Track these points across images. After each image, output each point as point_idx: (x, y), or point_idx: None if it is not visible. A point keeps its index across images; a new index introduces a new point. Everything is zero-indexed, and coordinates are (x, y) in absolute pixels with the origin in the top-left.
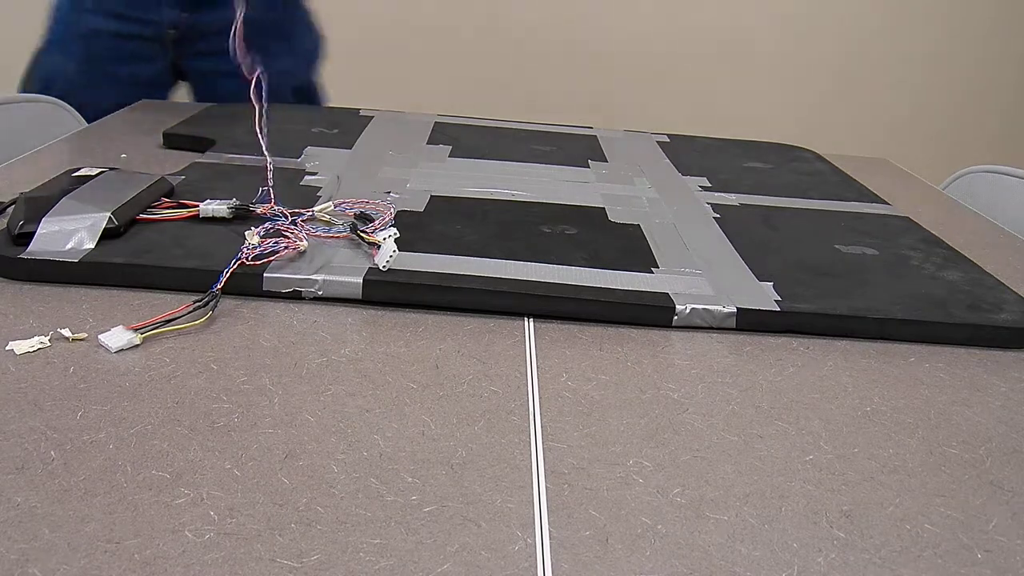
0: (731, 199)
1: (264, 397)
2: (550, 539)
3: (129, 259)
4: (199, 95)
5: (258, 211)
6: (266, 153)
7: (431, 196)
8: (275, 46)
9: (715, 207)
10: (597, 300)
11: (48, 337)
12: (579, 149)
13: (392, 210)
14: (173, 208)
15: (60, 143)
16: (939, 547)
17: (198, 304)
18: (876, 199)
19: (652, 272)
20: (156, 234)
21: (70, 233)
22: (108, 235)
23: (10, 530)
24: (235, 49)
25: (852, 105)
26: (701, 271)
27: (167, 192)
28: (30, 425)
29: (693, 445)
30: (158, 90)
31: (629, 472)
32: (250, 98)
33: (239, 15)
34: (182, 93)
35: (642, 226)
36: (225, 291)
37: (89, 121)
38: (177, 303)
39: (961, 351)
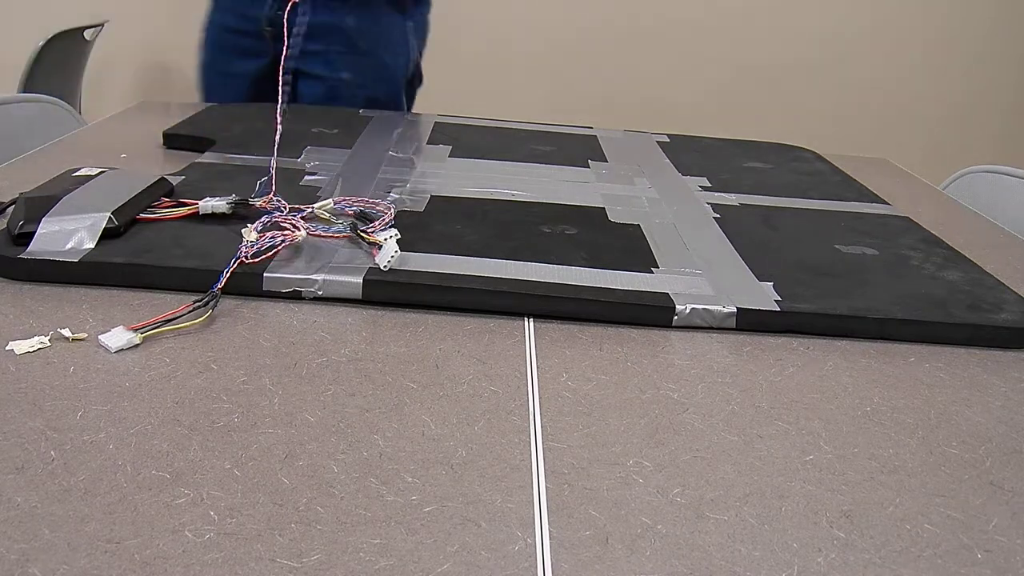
0: (731, 199)
1: (264, 397)
2: (550, 539)
3: (129, 259)
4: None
5: (257, 204)
6: (277, 136)
7: (431, 196)
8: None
9: (715, 207)
10: (597, 300)
11: (48, 337)
12: (579, 149)
13: (392, 210)
14: (173, 207)
15: (60, 143)
16: (939, 547)
17: (198, 304)
18: (876, 199)
19: (652, 272)
20: (156, 234)
21: (70, 233)
22: (108, 235)
23: (10, 530)
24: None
25: (852, 105)
26: (701, 271)
27: (167, 192)
28: (30, 425)
29: (693, 445)
30: (271, 85)
31: (629, 472)
32: (326, 104)
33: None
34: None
35: (642, 226)
36: (225, 291)
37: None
38: (177, 303)
39: (961, 351)
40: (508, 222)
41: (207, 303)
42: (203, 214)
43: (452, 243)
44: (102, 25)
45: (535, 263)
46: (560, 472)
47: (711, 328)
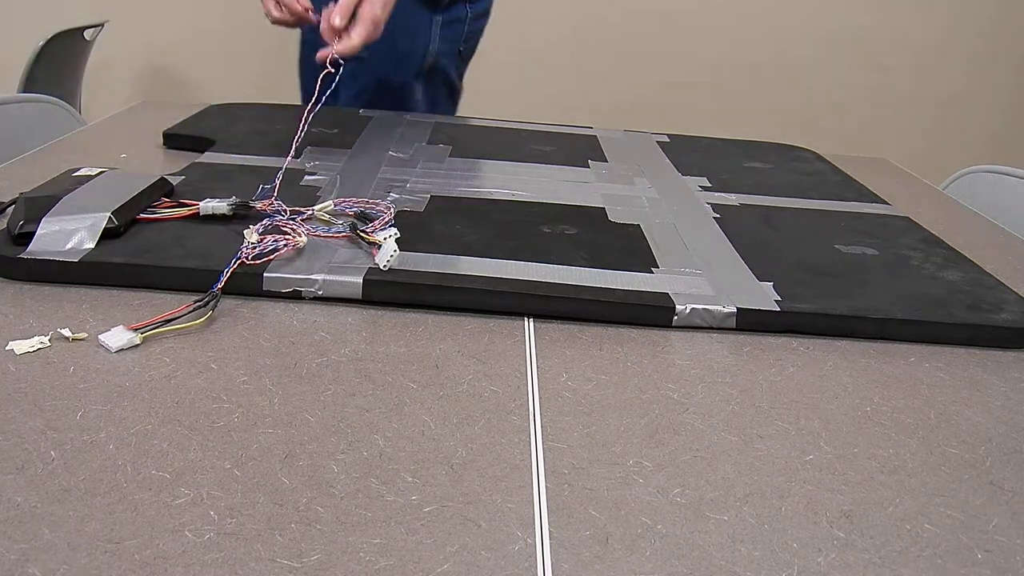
0: (731, 199)
1: (264, 397)
2: (550, 539)
3: (129, 259)
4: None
5: (258, 207)
6: (295, 142)
7: (431, 196)
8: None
9: (715, 207)
10: (597, 300)
11: (48, 337)
12: (579, 149)
13: (392, 210)
14: (173, 208)
15: (60, 143)
16: (939, 547)
17: (198, 304)
18: (876, 199)
19: (652, 272)
20: (156, 234)
21: (70, 233)
22: (108, 235)
23: (10, 530)
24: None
25: (852, 105)
26: (701, 271)
27: (167, 192)
28: (30, 425)
29: (693, 445)
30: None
31: (629, 472)
32: (345, 83)
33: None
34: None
35: (642, 226)
36: (225, 291)
37: None
38: (177, 303)
39: (961, 351)
40: (508, 222)
41: (207, 303)
42: (203, 215)
43: (452, 243)
44: (102, 25)
45: (535, 263)
46: (560, 472)
47: (711, 328)
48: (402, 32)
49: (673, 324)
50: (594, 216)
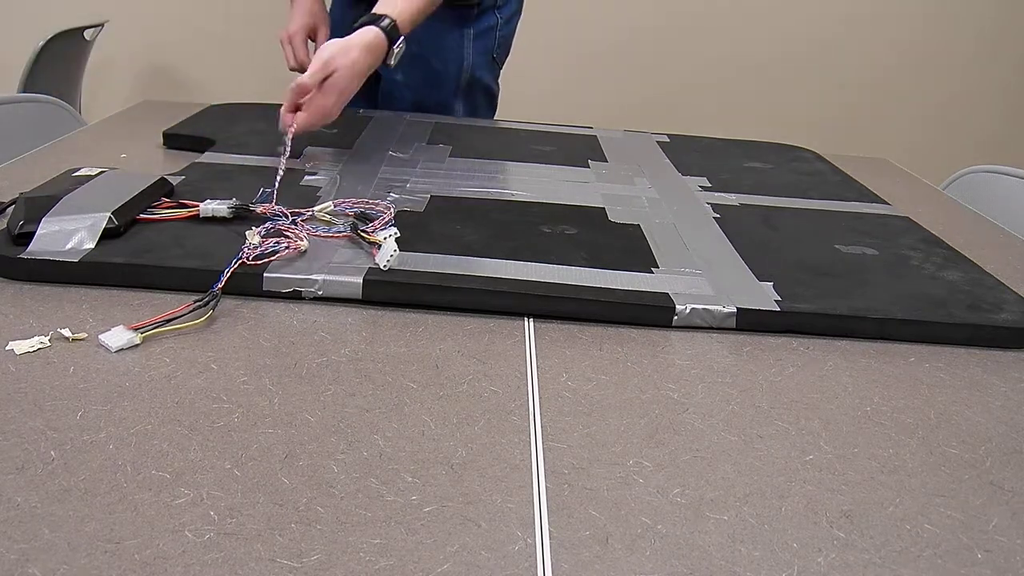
0: (731, 199)
1: (264, 397)
2: (550, 539)
3: (129, 259)
4: (375, 99)
5: (258, 211)
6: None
7: (431, 196)
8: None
9: (715, 207)
10: (597, 300)
11: (48, 337)
12: (579, 149)
13: (392, 210)
14: (173, 208)
15: (60, 143)
16: (939, 547)
17: (198, 304)
18: (876, 199)
19: (652, 272)
20: (156, 234)
21: (70, 233)
22: (108, 235)
23: (10, 530)
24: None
25: (852, 105)
26: (701, 271)
27: (167, 192)
28: (30, 425)
29: (693, 445)
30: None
31: (629, 472)
32: (383, 104)
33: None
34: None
35: (642, 226)
36: (225, 291)
37: None
38: (177, 303)
39: (961, 351)
40: (508, 222)
41: (207, 303)
42: (203, 216)
43: (452, 243)
44: (102, 25)
45: (535, 263)
46: (560, 472)
47: (711, 328)
48: (435, 54)
49: (673, 324)
50: (594, 216)
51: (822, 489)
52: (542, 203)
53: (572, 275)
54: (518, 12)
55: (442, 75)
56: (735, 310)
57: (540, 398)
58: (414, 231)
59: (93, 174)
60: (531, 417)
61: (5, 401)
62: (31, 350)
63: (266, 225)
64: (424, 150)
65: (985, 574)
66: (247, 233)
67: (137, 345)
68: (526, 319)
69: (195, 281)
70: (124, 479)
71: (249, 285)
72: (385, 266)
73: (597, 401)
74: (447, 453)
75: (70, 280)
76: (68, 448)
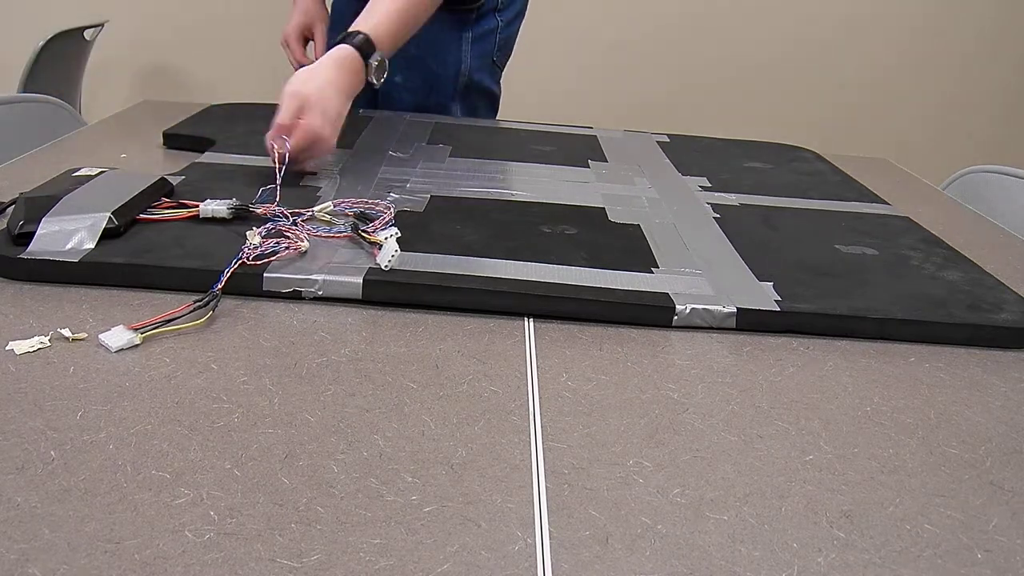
0: (731, 199)
1: (264, 397)
2: (550, 539)
3: (129, 259)
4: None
5: (258, 211)
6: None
7: (431, 196)
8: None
9: (715, 207)
10: (597, 300)
11: (48, 337)
12: (579, 149)
13: (392, 210)
14: (173, 208)
15: (60, 143)
16: (939, 547)
17: (198, 304)
18: (876, 199)
19: (652, 272)
20: (156, 234)
21: (70, 233)
22: (108, 235)
23: (10, 530)
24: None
25: (852, 105)
26: (701, 271)
27: (167, 192)
28: (30, 425)
29: (693, 445)
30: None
31: (629, 472)
32: (382, 104)
33: None
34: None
35: (642, 226)
36: (225, 291)
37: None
38: (177, 303)
39: (961, 351)
40: (508, 222)
41: (207, 303)
42: (203, 217)
43: (452, 243)
44: (102, 25)
45: (535, 263)
46: (560, 472)
47: (711, 328)
48: (432, 56)
49: (673, 324)
50: (594, 216)
51: (822, 489)
52: (542, 203)
53: (572, 275)
54: (521, 14)
55: (440, 78)
56: (735, 310)
57: (540, 398)
58: (414, 231)
59: (93, 174)
60: (531, 417)
61: (5, 401)
62: (31, 350)
63: (266, 225)
64: (424, 150)
65: (985, 574)
66: (247, 233)
67: (137, 345)
68: (526, 319)
69: (195, 281)
70: (124, 479)
71: (249, 285)
72: (387, 266)
73: (597, 401)
74: (447, 453)
75: (70, 280)
76: (68, 448)
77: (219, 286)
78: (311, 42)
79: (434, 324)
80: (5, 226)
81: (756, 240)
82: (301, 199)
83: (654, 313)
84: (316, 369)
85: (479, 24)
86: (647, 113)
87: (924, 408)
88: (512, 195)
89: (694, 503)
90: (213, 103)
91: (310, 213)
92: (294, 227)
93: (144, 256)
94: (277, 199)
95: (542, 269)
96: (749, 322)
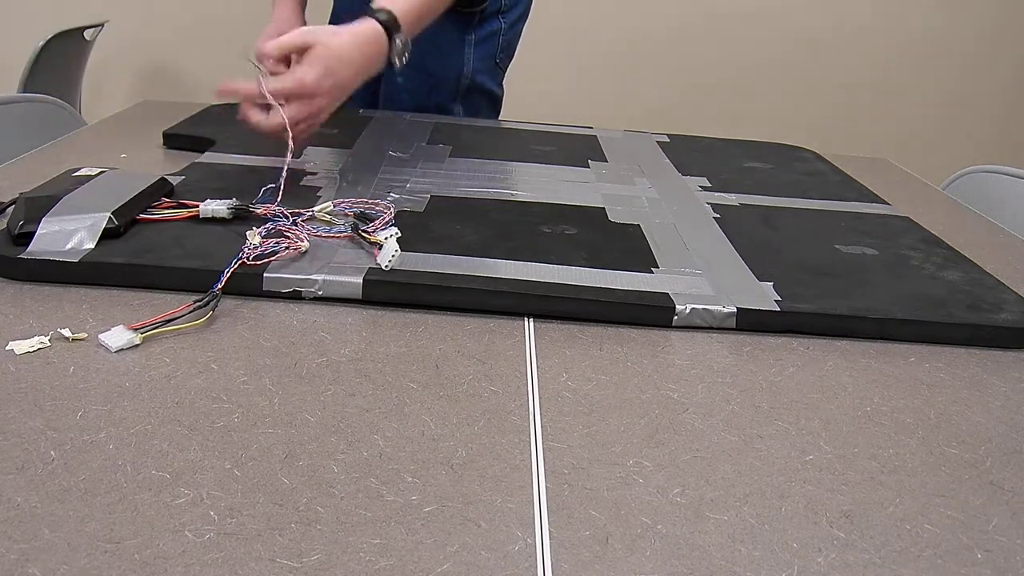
0: (731, 199)
1: (264, 397)
2: (550, 539)
3: (129, 259)
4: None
5: (258, 211)
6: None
7: (431, 196)
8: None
9: (715, 207)
10: (597, 300)
11: (48, 337)
12: (579, 149)
13: (392, 210)
14: (173, 208)
15: (60, 143)
16: (939, 547)
17: (198, 304)
18: (876, 199)
19: (652, 272)
20: (156, 234)
21: (70, 233)
22: (108, 235)
23: (10, 530)
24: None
25: (852, 105)
26: (701, 271)
27: (167, 192)
28: (30, 425)
29: (693, 445)
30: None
31: (629, 472)
32: (385, 104)
33: None
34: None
35: (642, 226)
36: (225, 291)
37: None
38: (177, 303)
39: (961, 351)
40: (508, 222)
41: (207, 303)
42: (203, 217)
43: (452, 243)
44: (102, 25)
45: (535, 263)
46: (560, 472)
47: (711, 328)
48: (433, 58)
49: (673, 324)
50: (594, 216)
51: (822, 489)
52: (542, 203)
53: (572, 275)
54: (524, 16)
55: (441, 80)
56: (735, 310)
57: (540, 398)
58: (414, 231)
59: (93, 174)
60: (531, 417)
61: (5, 401)
62: (31, 350)
63: (266, 225)
64: (424, 150)
65: (985, 574)
66: (247, 233)
67: (137, 345)
68: (526, 319)
69: (195, 281)
70: (124, 479)
71: (249, 285)
72: (387, 266)
73: (597, 401)
74: (447, 453)
75: (70, 280)
76: (68, 448)
77: (219, 286)
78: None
79: (434, 324)
80: (5, 226)
81: (756, 240)
82: (301, 199)
83: (654, 313)
84: (316, 369)
85: (483, 27)
86: (647, 113)
87: (924, 408)
88: (512, 195)
89: (694, 503)
90: (213, 103)
91: (310, 213)
92: (294, 227)
93: (144, 256)
94: (278, 199)
95: (542, 269)
96: (749, 322)
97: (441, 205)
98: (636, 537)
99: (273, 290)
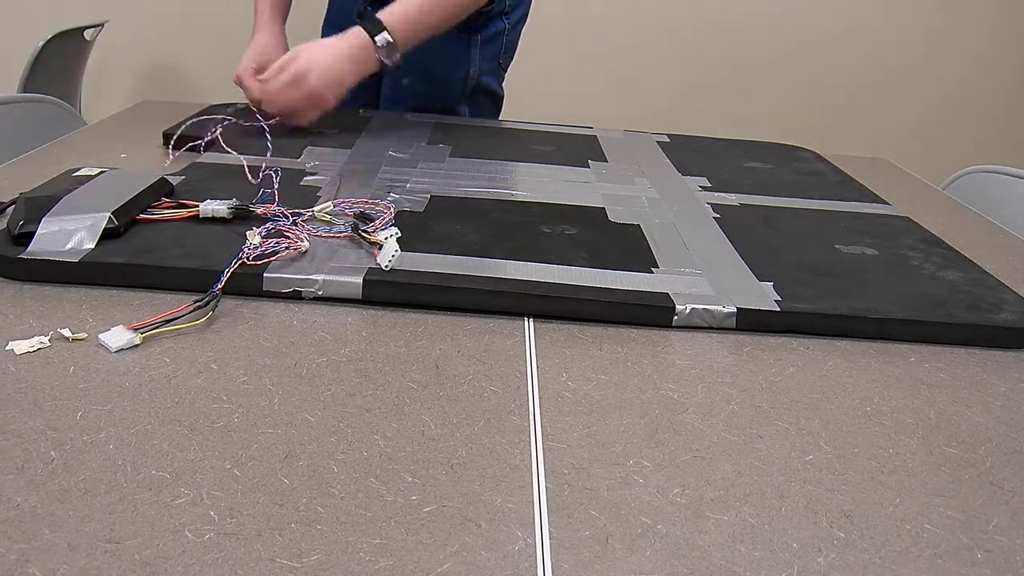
0: (731, 199)
1: (264, 397)
2: (550, 539)
3: (129, 259)
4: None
5: (258, 211)
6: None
7: (431, 196)
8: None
9: (715, 207)
10: (597, 300)
11: (48, 337)
12: (579, 149)
13: (392, 210)
14: (173, 208)
15: (60, 143)
16: (939, 547)
17: (198, 304)
18: (876, 199)
19: (652, 272)
20: (156, 234)
21: (70, 233)
22: (108, 235)
23: (10, 530)
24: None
25: (852, 105)
26: (701, 271)
27: (167, 192)
28: (30, 425)
29: (693, 445)
30: (367, 85)
31: (629, 472)
32: (391, 104)
33: None
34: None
35: (642, 226)
36: (225, 291)
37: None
38: (177, 303)
39: (961, 351)
40: (508, 222)
41: (207, 303)
42: (203, 217)
43: (452, 243)
44: (102, 25)
45: (535, 263)
46: (560, 472)
47: (711, 328)
48: (440, 61)
49: (673, 324)
50: (594, 216)
51: (822, 489)
52: (542, 203)
53: (572, 275)
54: (524, 17)
55: (447, 82)
56: (735, 310)
57: (540, 398)
58: (414, 231)
59: (93, 174)
60: (531, 417)
61: (5, 401)
62: (31, 350)
63: (266, 225)
64: (424, 150)
65: (985, 574)
66: (247, 233)
67: (137, 345)
68: (526, 319)
69: (195, 281)
70: (124, 479)
71: (249, 285)
72: (387, 266)
73: (597, 401)
74: (447, 453)
75: (70, 280)
76: (68, 448)
77: (219, 286)
78: None
79: (434, 324)
80: (5, 226)
81: (756, 240)
82: (301, 199)
83: (654, 313)
84: (316, 369)
85: (487, 28)
86: (647, 113)
87: (924, 408)
88: (512, 195)
89: (694, 503)
90: (213, 103)
91: (310, 213)
92: (294, 227)
93: (144, 256)
94: (277, 199)
95: (542, 269)
96: (749, 322)
97: (441, 205)
98: (636, 537)
99: (273, 290)
